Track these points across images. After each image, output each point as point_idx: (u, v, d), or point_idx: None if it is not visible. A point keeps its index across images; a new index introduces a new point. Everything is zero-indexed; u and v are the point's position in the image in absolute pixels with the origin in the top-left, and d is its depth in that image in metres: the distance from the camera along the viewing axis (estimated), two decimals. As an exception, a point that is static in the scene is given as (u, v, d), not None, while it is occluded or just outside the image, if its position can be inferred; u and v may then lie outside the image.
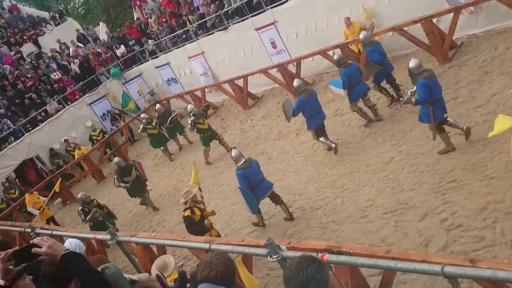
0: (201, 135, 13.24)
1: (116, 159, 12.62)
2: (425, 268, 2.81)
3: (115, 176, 12.37)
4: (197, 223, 7.94)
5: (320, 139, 10.21)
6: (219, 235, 8.41)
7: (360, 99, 10.31)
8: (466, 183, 6.93)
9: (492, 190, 6.49)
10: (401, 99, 9.39)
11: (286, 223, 8.65)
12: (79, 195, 11.43)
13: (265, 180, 8.63)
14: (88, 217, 10.90)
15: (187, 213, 7.91)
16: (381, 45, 10.50)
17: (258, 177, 8.49)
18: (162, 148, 15.69)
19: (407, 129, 9.34)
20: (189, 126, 13.26)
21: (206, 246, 4.44)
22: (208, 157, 13.56)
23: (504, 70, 9.24)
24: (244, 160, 8.47)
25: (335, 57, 10.48)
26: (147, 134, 15.58)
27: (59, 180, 15.62)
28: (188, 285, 3.87)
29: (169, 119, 15.34)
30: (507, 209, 6.05)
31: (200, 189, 8.52)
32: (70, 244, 4.39)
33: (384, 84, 10.63)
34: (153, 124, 15.44)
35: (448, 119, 7.95)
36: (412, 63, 7.84)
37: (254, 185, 8.41)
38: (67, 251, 2.89)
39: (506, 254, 5.42)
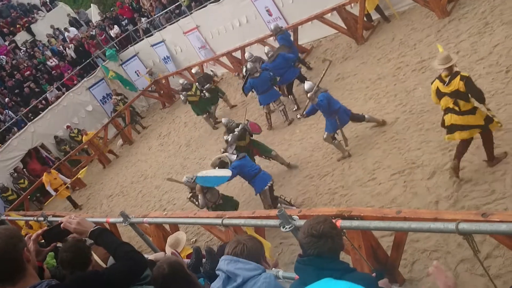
0: (193, 106, 13.84)
1: (224, 120, 10.25)
2: (439, 227, 2.81)
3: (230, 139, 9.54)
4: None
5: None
6: None
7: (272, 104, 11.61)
8: (474, 138, 6.85)
9: (500, 142, 6.44)
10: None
11: (295, 192, 8.68)
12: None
13: (262, 171, 8.29)
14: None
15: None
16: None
17: (252, 168, 8.19)
18: (204, 116, 14.24)
19: (410, 88, 9.24)
20: (182, 100, 13.80)
21: (219, 221, 4.45)
22: (214, 121, 13.98)
23: (505, 19, 9.05)
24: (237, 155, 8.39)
25: (248, 65, 11.50)
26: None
27: (85, 168, 15.79)
28: (204, 260, 3.90)
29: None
30: (515, 161, 6.02)
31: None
32: None
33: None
34: (193, 90, 13.97)
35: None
36: (307, 84, 8.77)
37: (251, 176, 8.15)
38: (96, 228, 2.93)
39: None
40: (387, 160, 7.80)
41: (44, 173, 14.86)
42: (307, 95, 8.67)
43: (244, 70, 12.51)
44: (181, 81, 14.60)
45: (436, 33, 10.30)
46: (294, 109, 11.72)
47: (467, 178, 6.27)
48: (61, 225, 2.92)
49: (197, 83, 14.29)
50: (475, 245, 2.77)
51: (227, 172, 7.89)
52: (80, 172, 15.36)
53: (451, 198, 6.15)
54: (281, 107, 11.63)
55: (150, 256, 3.72)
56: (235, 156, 8.30)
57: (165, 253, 3.86)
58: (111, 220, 6.43)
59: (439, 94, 6.14)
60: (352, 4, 12.36)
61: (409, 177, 7.07)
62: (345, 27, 12.62)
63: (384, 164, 7.77)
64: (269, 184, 8.03)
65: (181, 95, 14.27)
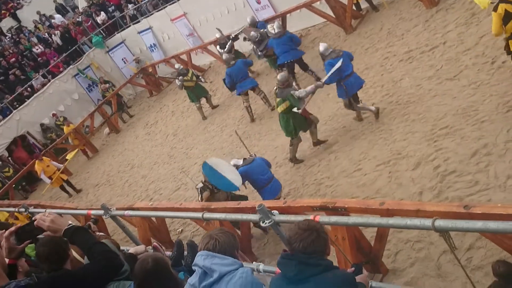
0: (188, 92, 13.49)
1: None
2: (416, 223, 2.81)
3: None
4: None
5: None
6: None
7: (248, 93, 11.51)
8: (458, 129, 6.90)
9: (484, 133, 6.47)
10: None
11: (281, 182, 8.60)
12: None
13: (274, 179, 7.51)
14: None
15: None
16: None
17: (263, 177, 7.35)
18: (197, 104, 13.81)
19: (397, 78, 9.24)
20: (178, 85, 13.50)
21: (199, 215, 4.43)
22: (211, 106, 13.76)
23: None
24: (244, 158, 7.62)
25: (224, 57, 11.86)
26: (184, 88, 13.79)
27: (75, 151, 15.52)
28: (185, 253, 3.87)
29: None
30: (500, 152, 6.05)
31: None
32: None
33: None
34: (189, 75, 13.55)
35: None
36: (321, 47, 8.47)
37: (260, 186, 7.39)
38: (70, 226, 2.87)
39: (500, 197, 5.45)
40: (372, 151, 7.81)
41: (36, 161, 14.32)
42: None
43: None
44: (177, 65, 14.32)
45: (423, 23, 10.28)
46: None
47: (451, 169, 6.29)
48: (35, 222, 2.86)
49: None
50: (451, 242, 2.79)
51: (237, 180, 6.99)
52: (68, 155, 14.96)
53: (435, 189, 6.17)
54: (262, 94, 11.66)
55: (131, 249, 3.68)
56: (241, 160, 7.47)
57: (146, 247, 3.81)
58: (93, 212, 6.37)
59: (508, 17, 5.85)
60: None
61: (394, 167, 7.08)
62: (334, 16, 12.55)
63: (370, 154, 7.78)
64: (277, 197, 7.34)
65: (177, 80, 13.86)
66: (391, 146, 7.60)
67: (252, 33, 11.93)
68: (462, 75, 7.98)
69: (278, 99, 8.44)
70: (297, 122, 8.45)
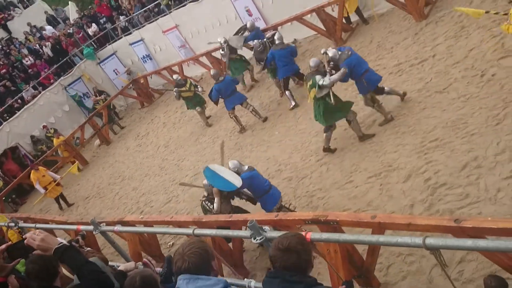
0: (187, 102, 13.43)
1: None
2: (407, 241, 2.81)
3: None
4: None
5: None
6: None
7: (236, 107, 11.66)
8: (448, 141, 6.95)
9: (474, 146, 6.52)
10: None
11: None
12: None
13: (273, 187, 7.40)
14: None
15: None
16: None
17: (265, 183, 7.26)
18: (199, 109, 13.46)
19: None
20: (175, 96, 13.41)
21: (190, 231, 4.40)
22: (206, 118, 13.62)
23: (480, 23, 9.17)
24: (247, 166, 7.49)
25: (212, 72, 11.94)
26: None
27: (76, 163, 15.33)
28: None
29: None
30: (490, 165, 6.09)
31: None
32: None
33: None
34: (187, 85, 13.38)
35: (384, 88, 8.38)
36: (330, 52, 8.37)
37: (261, 193, 7.25)
38: (60, 245, 2.84)
39: (490, 210, 5.47)
40: (364, 163, 7.84)
41: (32, 171, 14.07)
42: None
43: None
44: (175, 76, 14.10)
45: (413, 36, 10.39)
46: (292, 106, 11.21)
47: (441, 181, 6.32)
48: (25, 241, 2.83)
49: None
50: (442, 260, 2.79)
51: (237, 181, 6.95)
52: (72, 168, 14.66)
53: (426, 202, 6.19)
54: (250, 108, 11.75)
55: (121, 266, 3.64)
56: (246, 167, 7.38)
57: (136, 263, 3.78)
58: (82, 227, 6.31)
59: None
60: (332, 6, 12.40)
61: (385, 180, 7.11)
62: (324, 29, 12.65)
63: (361, 166, 7.80)
64: (277, 206, 7.19)
65: (174, 91, 13.65)
66: (382, 158, 7.63)
67: (256, 42, 11.97)
68: (452, 88, 8.05)
69: (309, 84, 8.28)
70: (329, 110, 8.24)
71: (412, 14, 10.94)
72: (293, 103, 11.21)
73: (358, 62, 8.19)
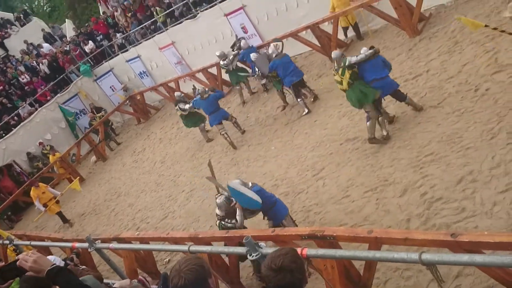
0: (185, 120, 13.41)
1: None
2: (403, 257, 2.81)
3: None
4: None
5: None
6: None
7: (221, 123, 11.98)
8: (443, 156, 6.97)
9: (469, 160, 6.54)
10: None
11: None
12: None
13: (278, 200, 7.20)
14: None
15: None
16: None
17: (272, 198, 7.14)
18: (202, 125, 13.35)
19: (383, 105, 9.33)
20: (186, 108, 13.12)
21: (185, 247, 4.38)
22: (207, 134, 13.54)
23: (474, 39, 9.28)
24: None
25: (199, 90, 12.21)
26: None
27: (77, 178, 15.27)
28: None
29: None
30: (485, 179, 6.11)
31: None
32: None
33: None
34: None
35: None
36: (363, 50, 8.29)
37: (269, 206, 7.05)
38: (53, 266, 2.81)
39: (486, 224, 5.48)
40: (360, 177, 7.84)
41: (32, 188, 13.97)
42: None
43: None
44: (177, 93, 13.96)
45: (407, 52, 10.49)
46: (305, 113, 11.17)
47: (437, 196, 6.33)
48: (17, 263, 2.80)
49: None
50: (439, 275, 2.78)
51: (258, 199, 6.70)
52: (73, 183, 14.54)
53: (422, 216, 6.19)
54: (233, 120, 12.24)
55: (116, 283, 3.61)
56: (250, 183, 7.11)
57: (131, 280, 3.75)
58: (77, 244, 6.27)
59: None
60: (327, 23, 12.54)
61: (382, 194, 7.11)
62: (319, 45, 12.76)
63: (358, 181, 7.80)
64: (284, 221, 6.98)
65: (181, 105, 13.22)
66: (378, 172, 7.64)
67: (254, 54, 12.06)
68: (446, 103, 8.11)
69: (340, 71, 8.30)
70: (363, 92, 8.22)
71: (405, 30, 11.07)
72: (306, 110, 11.17)
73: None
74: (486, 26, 6.53)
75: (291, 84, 11.13)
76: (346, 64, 8.16)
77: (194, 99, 12.38)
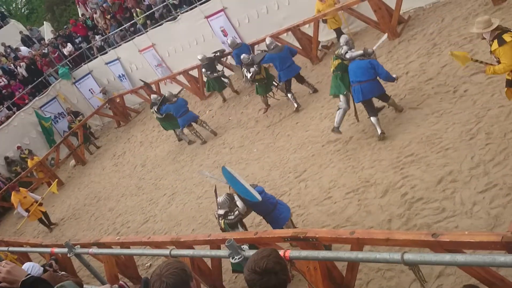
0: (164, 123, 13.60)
1: None
2: (386, 257, 2.81)
3: None
4: None
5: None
6: None
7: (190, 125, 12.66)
8: (423, 156, 7.04)
9: (449, 161, 6.61)
10: None
11: (252, 212, 8.57)
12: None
13: (279, 202, 6.83)
14: None
15: None
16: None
17: (273, 200, 6.80)
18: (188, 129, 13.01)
19: (362, 108, 9.38)
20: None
21: (167, 252, 4.32)
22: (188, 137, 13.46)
23: (452, 40, 9.41)
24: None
25: (166, 94, 12.90)
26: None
27: (55, 181, 14.94)
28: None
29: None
30: (465, 179, 6.18)
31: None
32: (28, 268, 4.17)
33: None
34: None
35: None
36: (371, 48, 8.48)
37: (270, 209, 6.65)
38: (28, 277, 2.73)
39: (467, 223, 5.54)
40: (342, 179, 7.87)
41: (12, 193, 13.53)
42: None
43: None
44: (153, 96, 13.80)
45: (386, 54, 10.59)
46: (295, 108, 11.05)
47: (418, 196, 6.38)
48: None
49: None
50: (421, 275, 2.79)
51: (258, 195, 6.41)
52: (52, 186, 14.21)
53: (403, 216, 6.23)
54: (204, 124, 12.77)
55: (95, 288, 3.54)
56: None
57: (111, 286, 3.67)
58: (56, 250, 6.14)
59: None
60: (307, 25, 12.59)
61: (363, 195, 7.14)
62: (300, 47, 12.80)
63: (339, 182, 7.82)
64: (287, 223, 6.63)
65: (154, 110, 13.35)
66: (359, 174, 7.68)
67: (244, 55, 11.92)
68: (425, 104, 8.20)
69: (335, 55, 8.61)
70: (339, 83, 8.58)
71: (385, 33, 11.15)
72: (296, 105, 11.06)
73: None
74: (476, 60, 6.55)
75: (286, 79, 11.10)
76: (336, 53, 8.45)
77: (164, 105, 12.86)
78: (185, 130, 13.03)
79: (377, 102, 8.57)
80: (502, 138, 6.42)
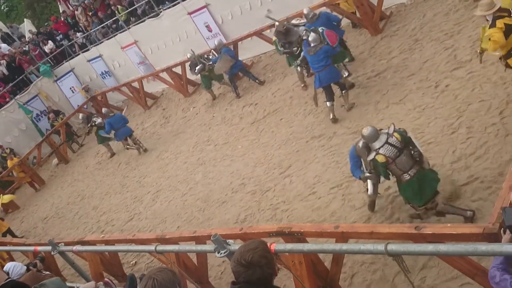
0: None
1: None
2: (369, 248, 2.85)
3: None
4: None
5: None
6: None
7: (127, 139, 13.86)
8: (406, 151, 7.09)
9: (431, 155, 6.69)
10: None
11: (237, 208, 8.61)
12: None
13: None
14: None
15: None
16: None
17: None
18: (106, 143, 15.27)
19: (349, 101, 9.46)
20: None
21: (152, 248, 4.31)
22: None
23: (433, 36, 9.52)
24: None
25: (104, 110, 14.61)
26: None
27: (9, 195, 14.69)
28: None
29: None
30: (447, 172, 6.28)
31: None
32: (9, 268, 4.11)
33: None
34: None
35: None
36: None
37: None
38: (7, 280, 2.70)
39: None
40: (326, 174, 7.92)
41: None
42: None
43: None
44: (80, 116, 15.91)
45: (369, 50, 10.66)
46: (346, 75, 9.75)
47: (401, 190, 6.44)
48: None
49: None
50: (404, 266, 2.83)
51: None
52: (2, 198, 13.84)
53: (386, 210, 6.31)
54: (136, 140, 13.94)
55: (80, 286, 3.52)
56: None
57: (96, 283, 3.66)
58: (40, 248, 6.08)
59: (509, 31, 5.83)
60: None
61: (347, 190, 7.20)
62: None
63: (324, 178, 7.88)
64: None
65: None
66: (343, 169, 7.72)
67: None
68: (407, 99, 8.29)
69: None
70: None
71: (367, 29, 11.24)
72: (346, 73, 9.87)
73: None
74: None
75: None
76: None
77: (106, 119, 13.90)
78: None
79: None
80: (482, 132, 6.53)
